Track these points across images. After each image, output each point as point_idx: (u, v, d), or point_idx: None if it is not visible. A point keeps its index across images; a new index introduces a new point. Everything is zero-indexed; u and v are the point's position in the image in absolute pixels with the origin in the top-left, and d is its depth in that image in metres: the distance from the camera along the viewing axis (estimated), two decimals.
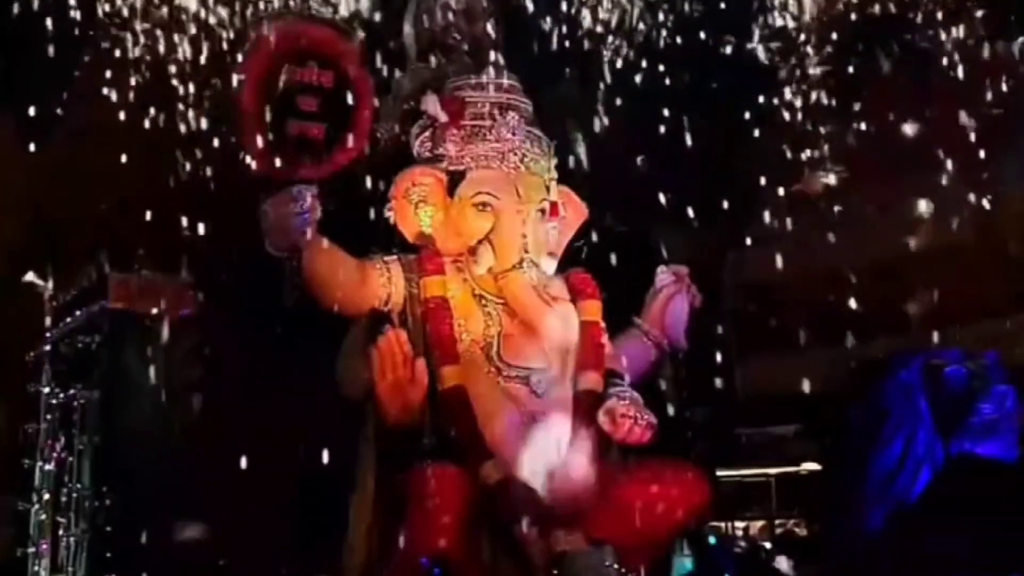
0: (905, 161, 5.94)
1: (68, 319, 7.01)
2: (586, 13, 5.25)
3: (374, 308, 3.51)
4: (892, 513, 3.58)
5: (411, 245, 3.63)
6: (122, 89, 4.81)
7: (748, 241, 6.14)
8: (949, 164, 5.89)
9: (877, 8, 5.57)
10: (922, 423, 3.66)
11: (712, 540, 3.66)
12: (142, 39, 4.80)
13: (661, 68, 5.56)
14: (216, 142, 4.56)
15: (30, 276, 6.01)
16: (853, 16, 5.59)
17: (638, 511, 3.29)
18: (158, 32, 4.81)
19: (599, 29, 5.29)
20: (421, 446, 3.37)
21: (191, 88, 4.76)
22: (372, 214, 3.66)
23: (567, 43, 5.22)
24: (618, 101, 5.29)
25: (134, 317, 6.37)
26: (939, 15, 5.47)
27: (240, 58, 3.70)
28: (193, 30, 4.81)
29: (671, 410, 3.83)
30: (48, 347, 7.28)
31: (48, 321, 7.15)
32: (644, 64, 5.46)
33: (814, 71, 5.74)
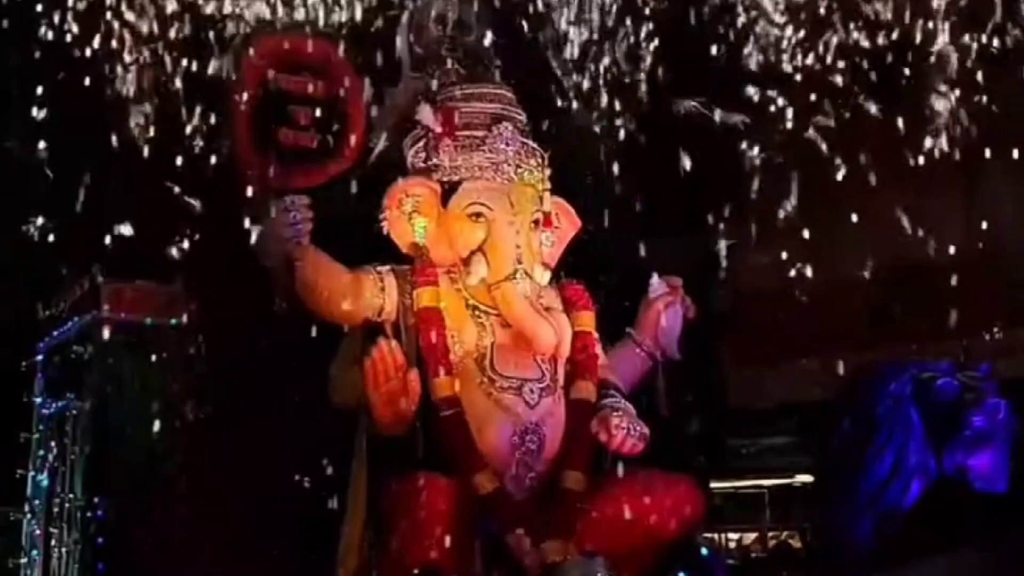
0: (900, 172, 5.95)
1: (61, 329, 7.00)
2: (579, 22, 5.26)
3: (367, 318, 3.51)
4: (882, 525, 3.57)
5: (404, 255, 3.63)
6: (116, 94, 4.81)
7: (742, 251, 6.14)
8: (944, 174, 5.91)
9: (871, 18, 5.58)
10: (913, 435, 3.65)
11: (705, 552, 3.65)
12: (133, 48, 4.80)
13: (656, 76, 5.56)
14: (211, 150, 4.56)
15: None
16: (847, 25, 5.60)
17: (630, 522, 3.29)
18: (151, 41, 4.81)
19: (592, 38, 5.29)
20: (414, 456, 3.36)
21: (186, 95, 4.76)
22: (365, 224, 3.66)
23: (560, 53, 5.22)
24: (611, 109, 5.29)
25: (127, 327, 6.36)
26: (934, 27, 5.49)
27: (234, 69, 3.72)
28: (187, 40, 4.81)
29: (664, 421, 3.82)
30: (41, 357, 7.27)
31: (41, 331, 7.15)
32: (638, 72, 5.46)
33: (810, 78, 5.75)
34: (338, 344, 3.56)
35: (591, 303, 3.75)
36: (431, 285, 3.53)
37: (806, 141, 5.60)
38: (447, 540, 3.11)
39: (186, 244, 4.71)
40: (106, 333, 6.54)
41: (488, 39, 4.11)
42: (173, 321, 6.06)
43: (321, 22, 4.46)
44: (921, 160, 5.67)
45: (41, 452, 7.23)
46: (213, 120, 4.32)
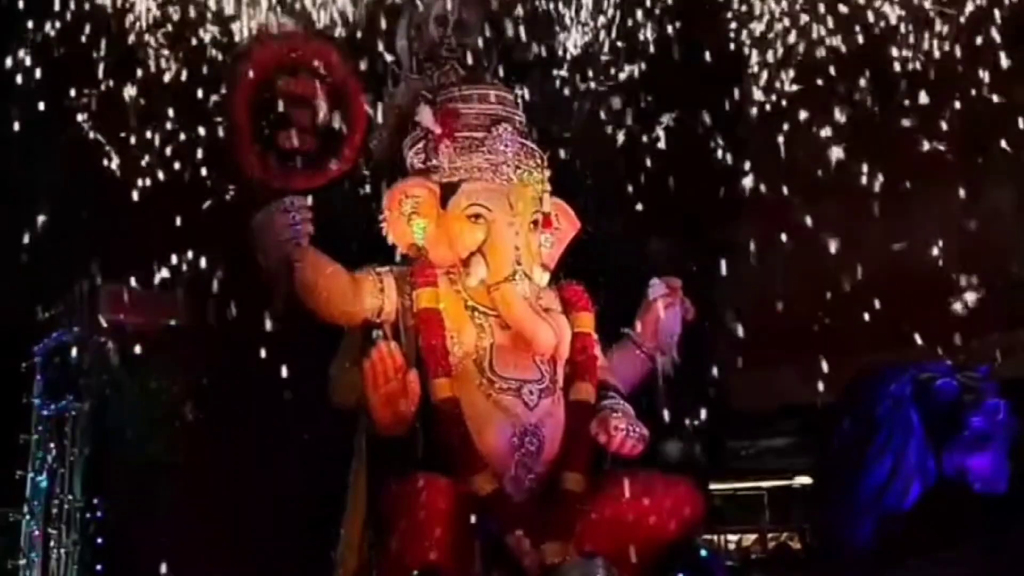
0: (897, 177, 5.96)
1: (60, 330, 7.01)
2: (578, 25, 5.26)
3: (367, 319, 3.51)
4: (882, 526, 3.57)
5: (404, 256, 3.63)
6: (115, 101, 4.81)
7: (741, 254, 6.15)
8: (941, 180, 5.92)
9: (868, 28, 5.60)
10: (913, 436, 3.66)
11: (704, 553, 3.64)
12: (133, 52, 4.81)
13: (655, 81, 5.57)
14: (209, 153, 4.56)
15: None
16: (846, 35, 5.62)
17: (630, 523, 3.29)
18: (149, 45, 4.82)
19: (591, 41, 5.30)
20: (413, 457, 3.36)
21: (184, 98, 4.76)
22: (365, 225, 3.66)
23: (559, 55, 5.23)
24: (611, 113, 5.30)
25: (125, 328, 6.37)
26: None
27: (233, 71, 3.71)
28: (185, 43, 4.82)
29: (664, 422, 3.82)
30: (40, 358, 7.28)
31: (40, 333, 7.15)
32: (638, 77, 5.47)
33: (809, 84, 5.76)
34: (337, 345, 3.56)
35: (590, 304, 3.75)
36: (430, 286, 3.53)
37: (806, 144, 5.61)
38: (446, 541, 3.11)
39: (184, 247, 4.71)
40: (104, 336, 6.55)
41: (488, 40, 4.12)
42: (171, 324, 6.06)
43: (321, 23, 4.48)
44: (920, 163, 5.68)
45: (40, 453, 7.24)
46: (212, 123, 4.33)
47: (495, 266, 3.52)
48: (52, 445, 7.10)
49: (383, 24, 4.30)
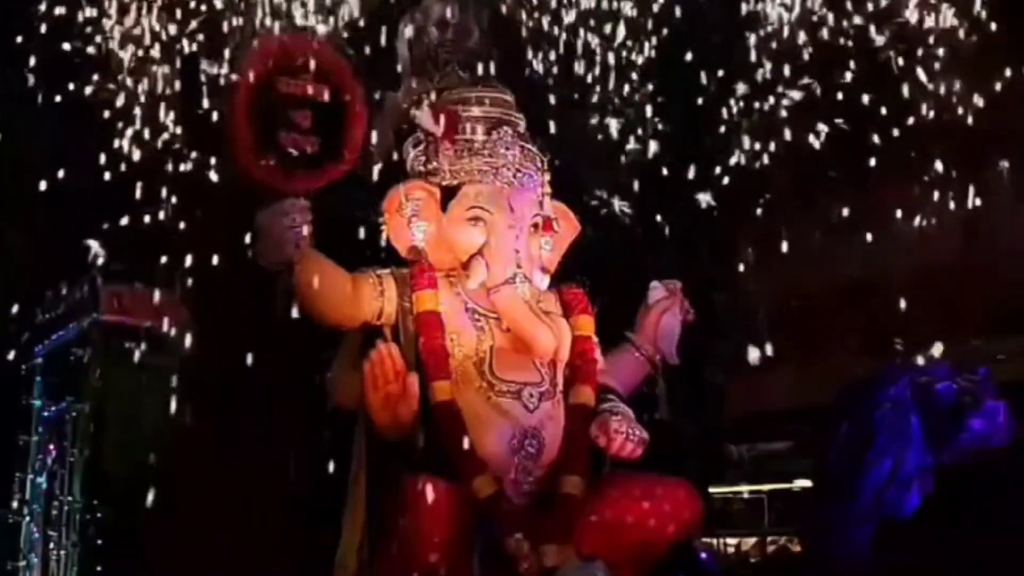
0: (897, 179, 5.96)
1: (60, 332, 7.01)
2: (580, 27, 5.27)
3: (367, 322, 3.51)
4: (880, 529, 3.58)
5: (404, 259, 3.63)
6: (116, 100, 4.82)
7: (741, 257, 6.15)
8: (940, 182, 5.92)
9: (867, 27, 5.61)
10: (912, 440, 3.67)
11: (703, 556, 3.65)
12: (134, 52, 4.81)
13: (656, 82, 5.58)
14: (209, 154, 4.56)
15: None
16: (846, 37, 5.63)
17: (629, 527, 3.29)
18: (150, 45, 4.82)
19: (593, 43, 5.31)
20: (413, 459, 3.36)
21: (184, 100, 4.77)
22: (365, 228, 3.66)
23: (560, 57, 5.24)
24: (612, 114, 5.30)
25: (126, 330, 6.38)
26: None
27: (234, 72, 3.72)
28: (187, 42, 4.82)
29: (663, 426, 3.82)
30: (40, 359, 7.28)
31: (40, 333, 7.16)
32: (638, 78, 5.48)
33: (808, 85, 5.77)
34: (338, 346, 3.57)
35: (590, 307, 3.75)
36: (430, 289, 3.53)
37: (804, 149, 5.62)
38: (446, 543, 3.12)
39: (185, 247, 4.71)
40: (104, 336, 6.55)
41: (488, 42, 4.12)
42: (172, 324, 6.05)
43: (322, 25, 4.48)
44: (918, 167, 5.69)
45: (40, 455, 7.24)
46: (212, 124, 4.33)
47: (495, 269, 3.52)
48: (52, 446, 7.11)
49: (384, 27, 4.31)
